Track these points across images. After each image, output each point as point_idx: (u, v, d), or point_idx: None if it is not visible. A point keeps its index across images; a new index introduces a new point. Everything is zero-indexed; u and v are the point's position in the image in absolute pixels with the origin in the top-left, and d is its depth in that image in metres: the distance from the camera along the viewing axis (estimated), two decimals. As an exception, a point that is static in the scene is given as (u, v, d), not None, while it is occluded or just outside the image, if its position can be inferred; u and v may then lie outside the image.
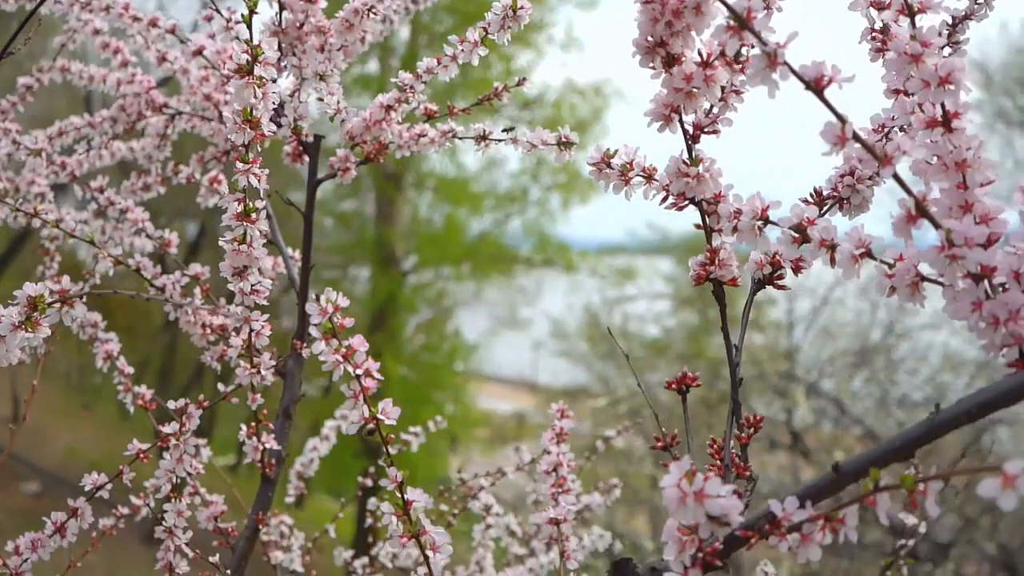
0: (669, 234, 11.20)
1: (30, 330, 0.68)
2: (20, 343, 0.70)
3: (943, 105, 0.54)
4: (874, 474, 0.48)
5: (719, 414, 6.99)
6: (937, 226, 0.52)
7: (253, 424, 0.97)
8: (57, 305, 0.68)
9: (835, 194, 0.70)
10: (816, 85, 0.52)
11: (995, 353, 0.52)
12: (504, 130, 0.94)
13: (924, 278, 0.55)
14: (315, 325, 0.62)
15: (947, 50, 0.73)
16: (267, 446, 0.98)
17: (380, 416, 0.64)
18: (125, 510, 1.15)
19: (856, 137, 0.51)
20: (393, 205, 11.02)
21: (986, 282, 0.53)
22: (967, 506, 6.18)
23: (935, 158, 0.55)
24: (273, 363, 0.92)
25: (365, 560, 1.39)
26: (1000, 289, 0.53)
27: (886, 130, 0.70)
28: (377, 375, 0.64)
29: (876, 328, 7.40)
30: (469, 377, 11.49)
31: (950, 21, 0.73)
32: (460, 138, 0.99)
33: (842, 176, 0.70)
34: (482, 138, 0.97)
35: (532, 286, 11.97)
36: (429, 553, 0.65)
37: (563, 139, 0.84)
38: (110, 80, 1.26)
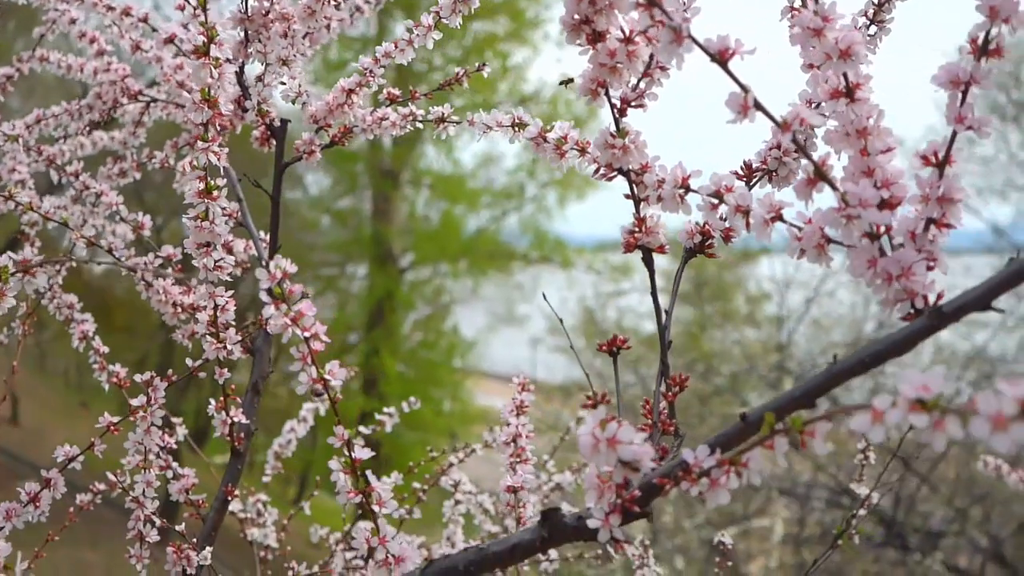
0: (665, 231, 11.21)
1: (-5, 300, 0.72)
2: (-12, 312, 0.73)
3: (845, 76, 0.58)
4: (768, 418, 0.51)
5: (711, 407, 7.03)
6: (835, 188, 0.56)
7: (222, 399, 1.00)
8: (20, 275, 0.71)
9: (763, 166, 0.73)
10: (721, 57, 0.55)
11: (890, 308, 0.56)
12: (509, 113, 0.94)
13: (829, 240, 0.59)
14: (264, 290, 0.65)
15: (872, 28, 0.77)
16: (236, 420, 1.01)
17: (327, 377, 0.67)
18: (102, 486, 1.18)
19: (757, 105, 0.55)
20: (390, 202, 11.05)
21: (885, 241, 0.57)
22: (957, 498, 6.22)
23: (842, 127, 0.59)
24: (239, 338, 0.96)
25: (338, 535, 1.43)
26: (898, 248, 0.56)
27: (812, 105, 0.73)
28: (324, 338, 0.67)
29: (870, 321, 7.44)
30: (467, 374, 11.52)
31: (876, 1, 0.77)
32: (421, 121, 1.02)
33: (770, 149, 0.73)
34: (440, 120, 1.00)
35: (529, 282, 12.00)
36: (376, 508, 0.69)
37: (516, 121, 0.87)
38: (87, 69, 1.29)
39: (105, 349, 1.16)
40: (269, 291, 0.66)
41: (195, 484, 1.06)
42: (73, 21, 1.26)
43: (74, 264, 0.95)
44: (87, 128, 1.27)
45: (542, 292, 1.04)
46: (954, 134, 0.56)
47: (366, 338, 10.69)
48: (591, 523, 0.59)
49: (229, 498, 1.03)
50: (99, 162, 1.42)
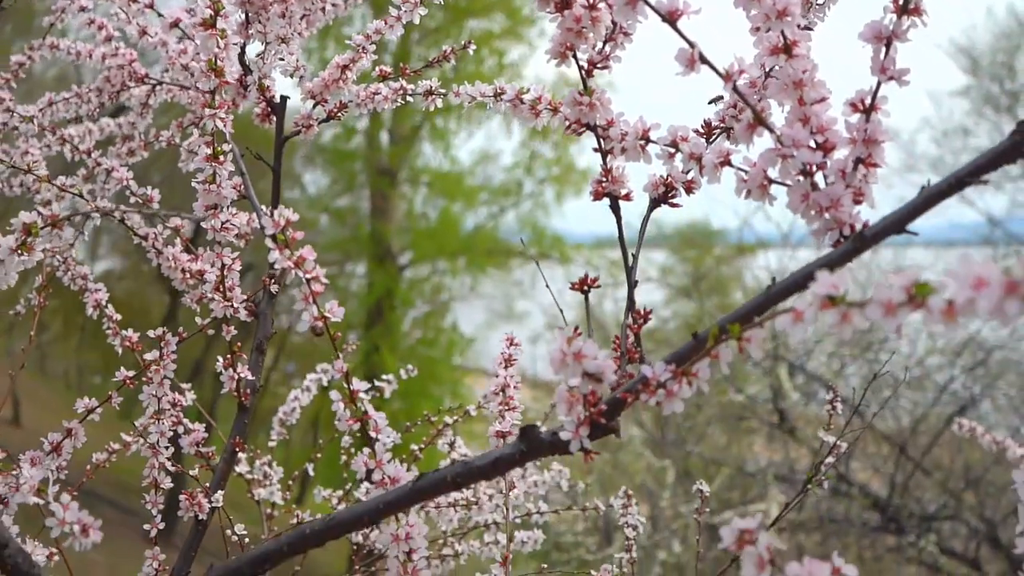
0: (663, 226, 11.31)
1: (25, 253, 0.79)
2: (17, 266, 0.80)
3: (783, 34, 0.65)
4: (714, 331, 0.58)
5: (708, 395, 7.09)
6: (772, 131, 0.63)
7: (229, 356, 1.08)
8: (49, 228, 0.78)
9: (722, 124, 0.81)
10: (671, 17, 0.62)
11: (821, 237, 0.63)
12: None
13: (771, 180, 0.66)
14: (269, 236, 0.73)
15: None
16: (242, 376, 1.09)
17: (328, 314, 0.75)
18: (116, 445, 1.25)
19: (703, 59, 0.62)
20: (388, 201, 11.12)
21: (820, 180, 0.64)
22: (951, 481, 6.30)
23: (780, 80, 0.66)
24: (244, 297, 1.03)
25: (340, 493, 1.50)
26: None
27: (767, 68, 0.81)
28: (324, 280, 0.74)
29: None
30: (466, 371, 11.57)
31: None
32: (410, 94, 1.09)
33: (728, 108, 0.80)
34: (429, 93, 1.08)
35: (527, 279, 12.07)
36: (373, 434, 0.76)
37: (498, 91, 0.94)
38: (96, 54, 1.36)
39: (118, 316, 1.24)
40: (273, 237, 0.73)
41: (205, 438, 1.13)
42: (83, 9, 1.34)
43: (98, 218, 1.02)
44: (97, 111, 1.34)
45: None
46: (879, 83, 0.64)
47: (366, 336, 10.75)
48: (563, 435, 0.66)
49: (237, 450, 1.10)
50: (105, 148, 1.50)
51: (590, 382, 0.63)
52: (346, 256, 11.62)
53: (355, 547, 1.45)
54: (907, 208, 0.58)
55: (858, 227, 0.62)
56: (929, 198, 0.58)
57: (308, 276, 0.74)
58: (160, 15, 1.22)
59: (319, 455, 1.72)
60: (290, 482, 1.51)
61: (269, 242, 0.73)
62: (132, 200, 1.23)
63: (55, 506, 0.69)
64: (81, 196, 1.09)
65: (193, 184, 0.92)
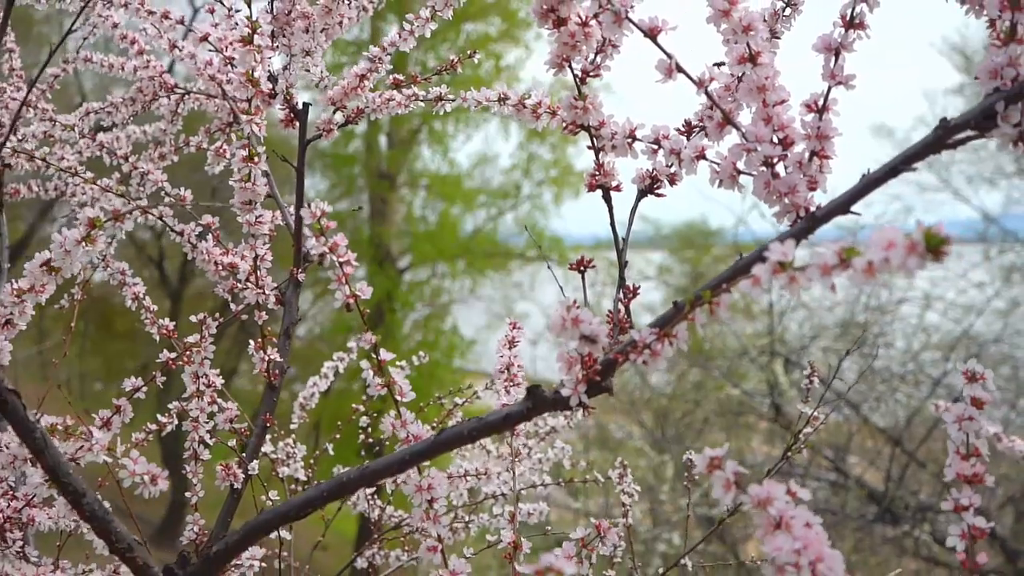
0: (661, 227, 11.41)
1: (89, 244, 0.90)
2: (82, 257, 0.91)
3: (749, 46, 0.76)
4: (690, 298, 0.69)
5: (706, 391, 7.20)
6: (738, 129, 0.74)
7: (260, 340, 1.19)
8: (111, 221, 0.89)
9: (700, 124, 0.92)
10: (651, 33, 0.74)
11: (782, 218, 0.74)
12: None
13: (739, 171, 0.77)
14: (307, 225, 0.84)
15: (788, 10, 0.95)
16: (272, 358, 1.20)
17: (358, 293, 0.86)
18: (153, 427, 1.36)
19: (679, 68, 0.73)
20: (387, 204, 11.23)
21: (780, 168, 0.75)
22: (945, 473, 6.40)
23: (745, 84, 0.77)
24: (275, 285, 1.14)
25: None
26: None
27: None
28: (354, 263, 0.85)
29: (861, 307, 7.64)
30: (467, 373, 11.66)
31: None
32: (422, 100, 1.21)
33: (704, 110, 0.91)
34: (439, 99, 1.19)
35: (527, 281, 12.17)
36: (397, 397, 0.87)
37: (502, 95, 1.05)
38: (127, 67, 1.47)
39: (154, 307, 1.35)
40: (310, 226, 0.84)
41: (237, 415, 1.24)
42: (115, 25, 1.45)
43: (141, 216, 1.13)
44: (130, 118, 1.45)
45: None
46: (829, 88, 0.75)
47: (366, 337, 10.80)
48: (563, 391, 0.77)
49: (267, 424, 1.21)
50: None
51: (586, 344, 0.74)
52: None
53: (372, 522, 1.55)
54: (850, 192, 0.69)
55: (812, 210, 0.73)
56: (868, 183, 0.69)
57: (341, 260, 0.85)
58: (191, 30, 1.33)
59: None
60: (312, 460, 1.61)
61: (307, 230, 0.84)
62: (166, 200, 1.34)
63: (126, 460, 0.80)
64: (122, 196, 1.20)
65: (230, 182, 1.03)
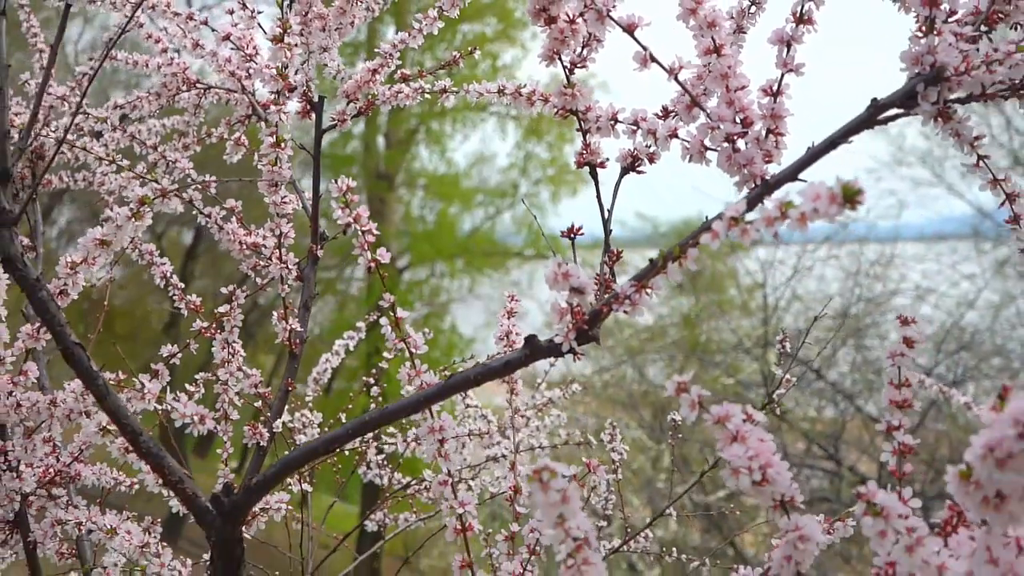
0: (659, 224, 11.54)
1: (138, 220, 1.02)
2: (131, 232, 1.03)
3: (713, 39, 0.89)
4: (661, 253, 0.82)
5: (704, 384, 7.32)
6: (704, 111, 0.86)
7: (282, 310, 1.31)
8: (160, 199, 1.01)
9: (675, 109, 1.04)
10: (629, 28, 0.86)
11: (742, 187, 0.86)
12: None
13: (706, 147, 0.90)
14: (334, 198, 0.96)
15: (754, 8, 1.07)
16: (293, 328, 1.32)
17: (379, 258, 0.98)
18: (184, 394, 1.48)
19: (653, 59, 0.86)
20: (385, 204, 11.35)
21: (741, 144, 0.88)
22: (936, 462, 6.55)
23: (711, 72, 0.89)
24: (297, 260, 1.26)
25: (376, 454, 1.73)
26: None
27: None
28: (375, 231, 0.98)
29: (857, 301, 7.79)
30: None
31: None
32: (428, 93, 1.33)
33: (679, 96, 1.04)
34: (444, 91, 1.31)
35: (525, 279, 12.29)
36: (412, 350, 0.99)
37: (500, 88, 1.18)
38: (152, 64, 1.59)
39: (181, 285, 1.47)
40: (337, 198, 0.96)
41: (261, 381, 1.37)
42: (141, 25, 1.57)
43: (178, 197, 1.25)
44: (155, 112, 1.57)
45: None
46: (782, 75, 0.87)
47: (366, 339, 10.92)
48: (556, 339, 0.89)
49: (289, 388, 1.33)
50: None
51: (576, 296, 0.86)
52: (345, 260, 11.83)
53: (380, 487, 1.67)
54: (797, 163, 0.82)
55: (767, 178, 0.86)
56: (813, 154, 0.81)
57: (363, 229, 0.97)
58: (214, 30, 1.45)
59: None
60: (326, 429, 1.74)
61: (334, 202, 0.97)
62: (192, 187, 1.46)
63: (176, 403, 0.92)
64: (156, 181, 1.32)
65: (257, 166, 1.15)
